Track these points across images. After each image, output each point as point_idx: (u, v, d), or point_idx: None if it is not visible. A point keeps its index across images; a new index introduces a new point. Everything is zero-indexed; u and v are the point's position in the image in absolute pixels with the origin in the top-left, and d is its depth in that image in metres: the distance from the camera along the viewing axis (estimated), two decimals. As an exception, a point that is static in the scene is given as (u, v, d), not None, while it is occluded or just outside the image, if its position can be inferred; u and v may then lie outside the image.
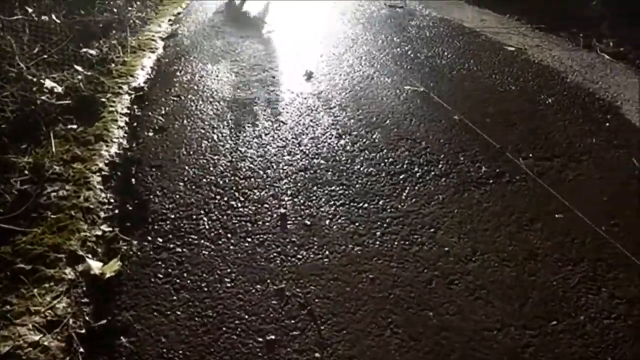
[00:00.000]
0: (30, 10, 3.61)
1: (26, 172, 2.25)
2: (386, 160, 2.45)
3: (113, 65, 3.49)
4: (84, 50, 3.66)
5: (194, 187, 2.26)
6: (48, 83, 2.85)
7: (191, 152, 2.54)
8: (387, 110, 2.95)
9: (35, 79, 2.84)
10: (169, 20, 5.10)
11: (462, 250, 1.90)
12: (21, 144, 2.42)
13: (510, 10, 5.46)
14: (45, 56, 3.33)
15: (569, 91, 3.28)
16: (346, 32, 4.61)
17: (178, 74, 3.56)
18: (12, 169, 2.26)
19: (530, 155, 2.51)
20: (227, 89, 3.31)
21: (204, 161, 2.46)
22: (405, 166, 2.40)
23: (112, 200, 2.19)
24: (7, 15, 3.44)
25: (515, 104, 3.09)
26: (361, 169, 2.38)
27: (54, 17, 3.80)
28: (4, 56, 2.99)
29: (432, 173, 2.35)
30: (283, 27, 4.77)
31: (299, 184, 2.27)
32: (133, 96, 3.08)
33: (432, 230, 2.00)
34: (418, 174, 2.34)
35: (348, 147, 2.56)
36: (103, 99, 2.92)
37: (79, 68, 3.32)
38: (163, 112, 2.97)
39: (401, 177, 2.32)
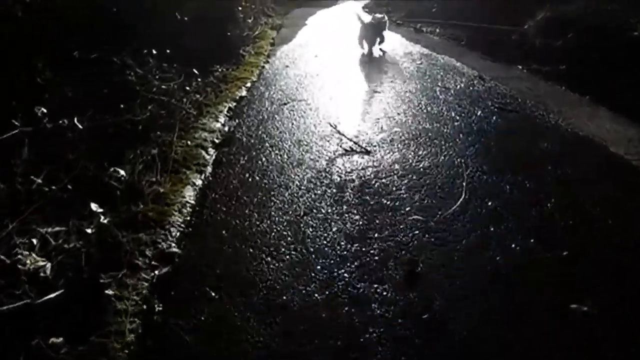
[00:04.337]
0: (41, 112, 2.73)
1: None
2: None
3: (141, 205, 2.50)
4: (111, 170, 2.73)
5: None
6: (31, 261, 1.89)
7: None
8: None
9: (16, 260, 1.87)
10: (229, 110, 4.18)
11: None
12: None
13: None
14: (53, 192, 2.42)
15: None
16: (454, 162, 3.27)
17: (223, 231, 2.46)
18: None
19: None
20: (284, 281, 2.12)
21: None
22: None
23: None
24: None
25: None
26: None
27: (75, 120, 2.93)
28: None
29: None
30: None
31: None
32: (154, 280, 2.04)
33: None
34: None
35: None
36: (109, 291, 1.91)
37: (95, 207, 2.37)
38: (192, 323, 1.84)
39: None
